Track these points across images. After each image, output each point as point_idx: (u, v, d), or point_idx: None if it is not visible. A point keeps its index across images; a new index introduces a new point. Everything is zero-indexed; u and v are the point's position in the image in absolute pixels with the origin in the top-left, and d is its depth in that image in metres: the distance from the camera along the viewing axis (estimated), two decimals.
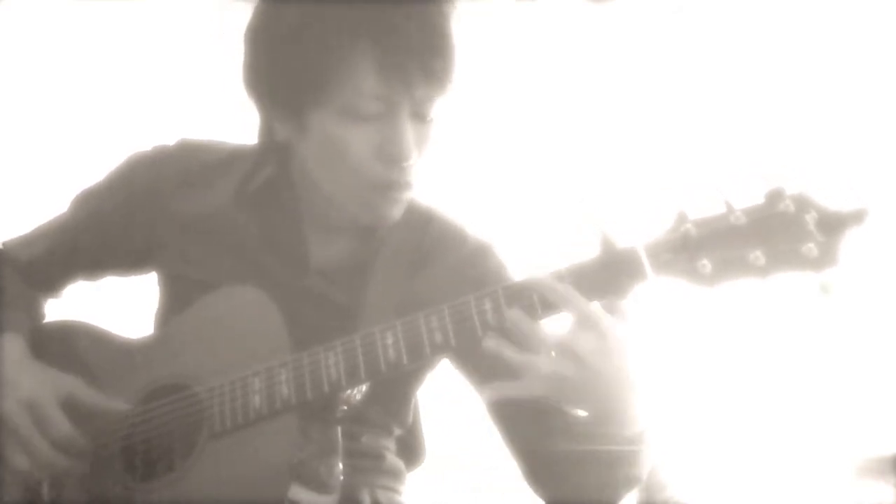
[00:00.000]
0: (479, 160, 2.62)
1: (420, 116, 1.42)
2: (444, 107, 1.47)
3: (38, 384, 1.45)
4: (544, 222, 2.41)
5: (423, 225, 1.60)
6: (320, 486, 1.35)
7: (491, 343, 1.25)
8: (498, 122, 2.64)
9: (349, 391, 1.38)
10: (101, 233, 1.66)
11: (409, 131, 1.40)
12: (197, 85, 2.70)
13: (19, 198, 2.56)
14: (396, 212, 1.48)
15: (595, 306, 1.23)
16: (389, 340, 1.31)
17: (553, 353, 1.22)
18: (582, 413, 1.30)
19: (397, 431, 1.64)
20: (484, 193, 2.51)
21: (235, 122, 1.74)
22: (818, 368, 2.39)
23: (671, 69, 2.54)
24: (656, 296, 1.23)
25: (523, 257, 1.59)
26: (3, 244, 1.71)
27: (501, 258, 1.59)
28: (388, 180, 1.43)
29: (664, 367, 2.39)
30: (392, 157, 1.41)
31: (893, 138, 2.15)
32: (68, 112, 2.71)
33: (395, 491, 1.62)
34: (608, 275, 1.23)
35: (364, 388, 1.40)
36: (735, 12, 2.48)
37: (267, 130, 1.54)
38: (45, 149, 2.69)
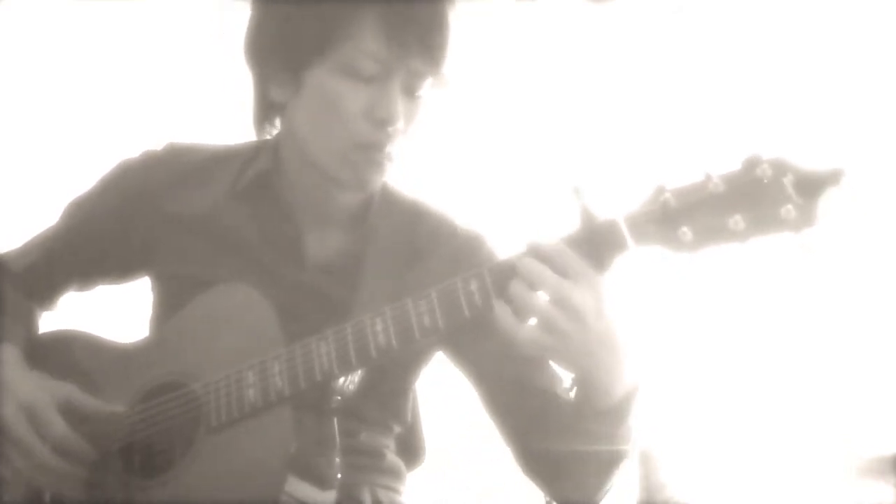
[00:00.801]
0: (479, 159, 2.62)
1: (410, 91, 1.46)
2: (443, 105, 1.49)
3: (36, 389, 1.45)
4: (543, 220, 2.41)
5: (412, 219, 1.62)
6: (319, 479, 1.36)
7: (498, 307, 1.26)
8: (498, 121, 2.65)
9: (342, 380, 1.39)
10: (94, 239, 1.66)
11: (399, 98, 1.44)
12: (197, 85, 2.70)
13: (19, 198, 2.57)
14: (376, 178, 1.51)
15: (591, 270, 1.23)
16: (379, 326, 1.32)
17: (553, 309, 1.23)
18: (569, 373, 1.31)
19: (396, 430, 1.64)
20: (484, 192, 2.51)
21: (235, 122, 1.74)
22: (818, 368, 2.40)
23: (671, 69, 2.54)
24: (641, 269, 1.24)
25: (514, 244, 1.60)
26: None
27: (492, 247, 1.61)
28: (373, 140, 1.46)
29: (663, 362, 2.40)
30: (380, 119, 1.44)
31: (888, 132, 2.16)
32: (68, 112, 2.71)
33: (396, 490, 1.62)
34: (589, 248, 1.23)
35: (357, 378, 1.41)
36: (735, 12, 2.48)
37: (262, 99, 1.56)
38: (45, 149, 2.69)
